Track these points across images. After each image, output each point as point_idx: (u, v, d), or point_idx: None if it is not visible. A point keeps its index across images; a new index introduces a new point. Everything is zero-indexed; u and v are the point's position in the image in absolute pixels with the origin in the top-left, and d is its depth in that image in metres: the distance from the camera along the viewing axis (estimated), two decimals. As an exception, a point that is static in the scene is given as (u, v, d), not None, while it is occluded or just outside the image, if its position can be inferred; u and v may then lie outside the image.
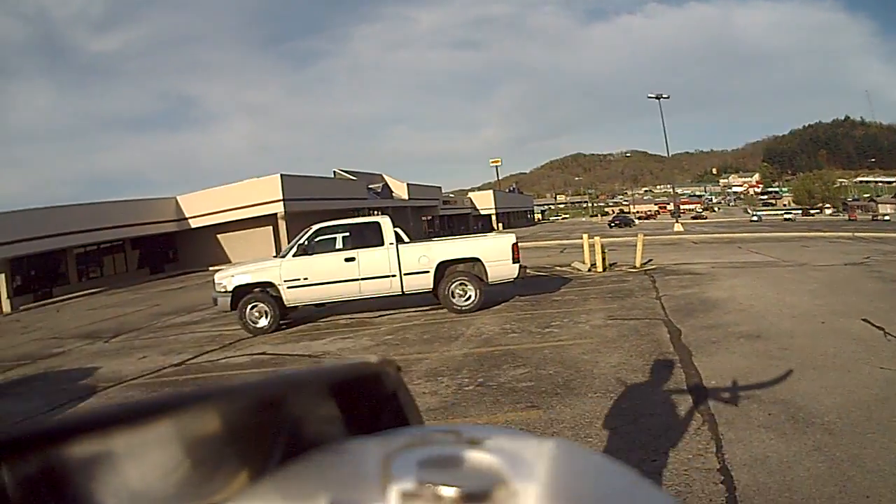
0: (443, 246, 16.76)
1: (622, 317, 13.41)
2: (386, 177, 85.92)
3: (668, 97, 72.44)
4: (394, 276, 16.18)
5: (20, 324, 27.93)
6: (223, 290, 16.53)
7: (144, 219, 53.85)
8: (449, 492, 0.29)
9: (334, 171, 75.69)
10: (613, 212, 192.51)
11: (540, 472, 0.30)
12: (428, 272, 16.24)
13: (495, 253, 16.32)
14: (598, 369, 9.11)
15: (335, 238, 16.64)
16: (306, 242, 16.42)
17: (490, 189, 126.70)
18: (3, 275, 45.10)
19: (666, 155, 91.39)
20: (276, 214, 54.49)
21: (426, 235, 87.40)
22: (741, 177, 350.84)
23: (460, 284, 16.16)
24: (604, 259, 23.29)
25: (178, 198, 58.98)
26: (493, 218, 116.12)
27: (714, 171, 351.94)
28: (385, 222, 16.62)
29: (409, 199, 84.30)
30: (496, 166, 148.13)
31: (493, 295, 17.33)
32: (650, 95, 72.41)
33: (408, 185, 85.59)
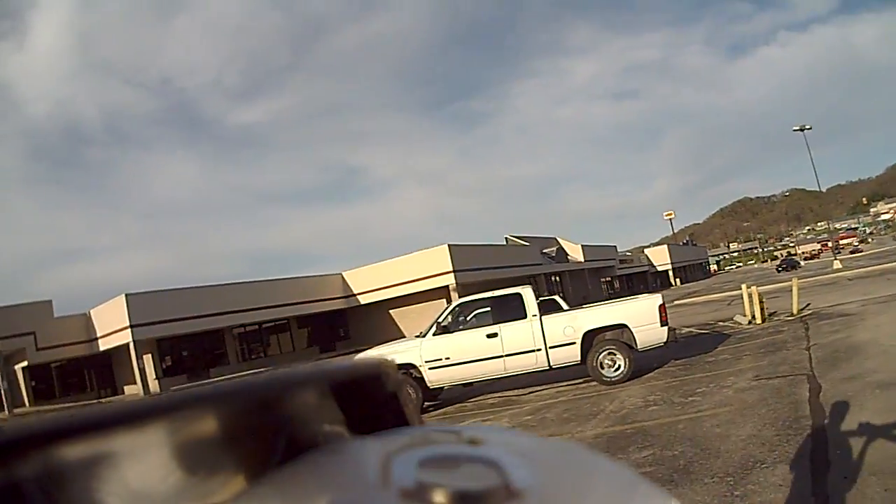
0: (588, 314, 15.80)
1: (768, 375, 12.68)
2: (560, 240, 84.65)
3: (810, 128, 70.95)
4: (539, 349, 15.28)
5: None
6: None
7: (310, 296, 54.84)
8: (449, 491, 0.29)
9: (506, 238, 74.88)
10: (782, 254, 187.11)
11: (540, 472, 0.30)
12: (574, 343, 15.28)
13: (642, 317, 15.32)
14: (726, 445, 8.50)
15: (477, 313, 15.95)
16: (446, 320, 15.89)
17: (666, 244, 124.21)
18: (149, 356, 45.88)
19: (820, 189, 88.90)
20: (447, 287, 53.92)
21: (607, 298, 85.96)
22: (886, 203, 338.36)
23: (608, 354, 15.15)
24: (762, 309, 22.69)
25: (343, 273, 59.95)
26: (670, 273, 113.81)
27: (864, 201, 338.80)
28: (526, 293, 15.78)
29: (585, 260, 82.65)
30: (670, 219, 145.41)
31: (649, 360, 16.35)
32: (795, 128, 71.01)
33: (582, 246, 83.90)
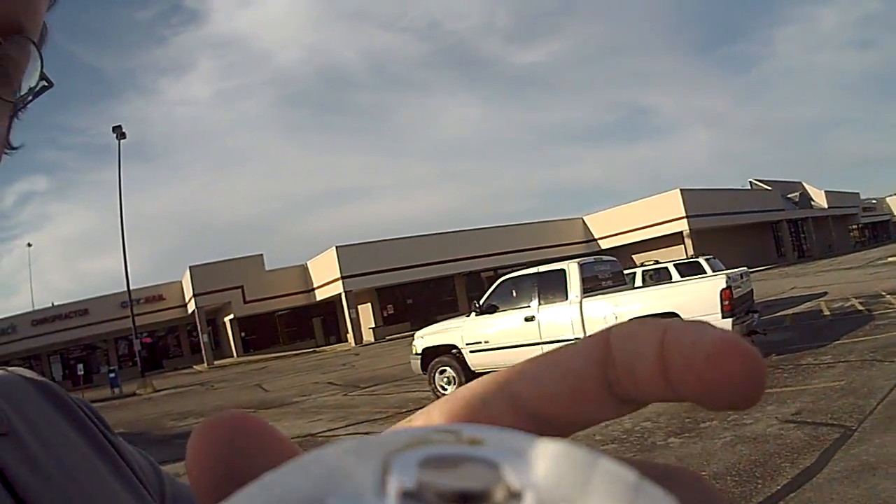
0: (633, 298, 13.49)
1: (812, 412, 10.11)
2: (805, 185, 79.72)
3: None
4: (579, 338, 13.13)
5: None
6: (415, 351, 15.43)
7: (549, 241, 53.97)
8: (449, 492, 0.27)
9: (750, 182, 71.19)
10: None
11: (540, 472, 0.28)
12: None
13: (698, 304, 12.65)
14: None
15: (522, 291, 14.24)
16: (489, 299, 14.39)
17: None
18: (368, 305, 46.38)
19: None
20: (681, 233, 52.20)
21: (854, 247, 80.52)
22: None
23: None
24: None
25: (584, 218, 59.18)
26: None
27: None
28: (572, 269, 13.86)
29: (829, 207, 77.10)
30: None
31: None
32: None
33: (826, 192, 78.18)
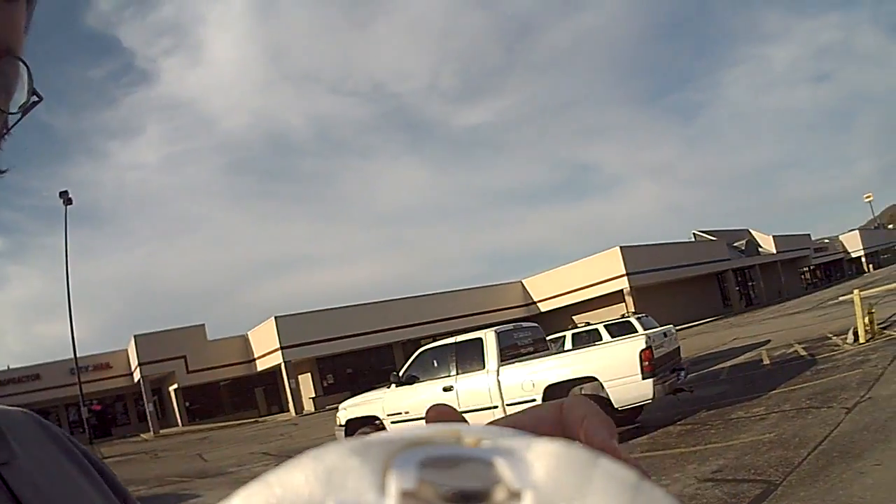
0: (549, 365, 13.16)
1: (735, 469, 9.79)
2: (752, 231, 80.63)
3: None
4: (496, 407, 13.06)
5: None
6: (338, 423, 15.38)
7: (487, 307, 53.77)
8: (449, 491, 0.29)
9: (693, 234, 72.03)
10: None
11: (539, 472, 0.29)
12: (535, 400, 12.32)
13: (616, 368, 12.43)
14: None
15: (441, 361, 14.06)
16: (409, 369, 14.28)
17: (857, 229, 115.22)
18: (308, 374, 46.42)
19: None
20: (622, 291, 52.18)
21: (805, 289, 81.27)
22: None
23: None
24: (871, 323, 19.17)
25: (523, 281, 59.32)
26: (863, 260, 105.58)
27: None
28: (489, 338, 13.62)
29: (778, 252, 78.13)
30: (870, 202, 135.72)
31: (655, 417, 13.89)
32: None
33: (774, 237, 79.44)
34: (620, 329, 21.74)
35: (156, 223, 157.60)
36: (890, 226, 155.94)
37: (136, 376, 49.91)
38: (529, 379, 12.87)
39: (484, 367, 13.33)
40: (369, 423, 14.47)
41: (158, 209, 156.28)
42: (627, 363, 12.36)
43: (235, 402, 53.77)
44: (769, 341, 25.64)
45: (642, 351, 12.31)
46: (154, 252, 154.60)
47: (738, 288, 67.73)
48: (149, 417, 48.38)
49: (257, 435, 33.17)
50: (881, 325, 20.10)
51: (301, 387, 46.78)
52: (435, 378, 13.82)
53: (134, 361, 50.15)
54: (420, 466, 0.29)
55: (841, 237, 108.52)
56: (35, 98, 0.81)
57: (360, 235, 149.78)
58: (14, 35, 0.76)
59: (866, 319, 19.26)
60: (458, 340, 14.20)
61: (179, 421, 50.84)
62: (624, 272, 51.77)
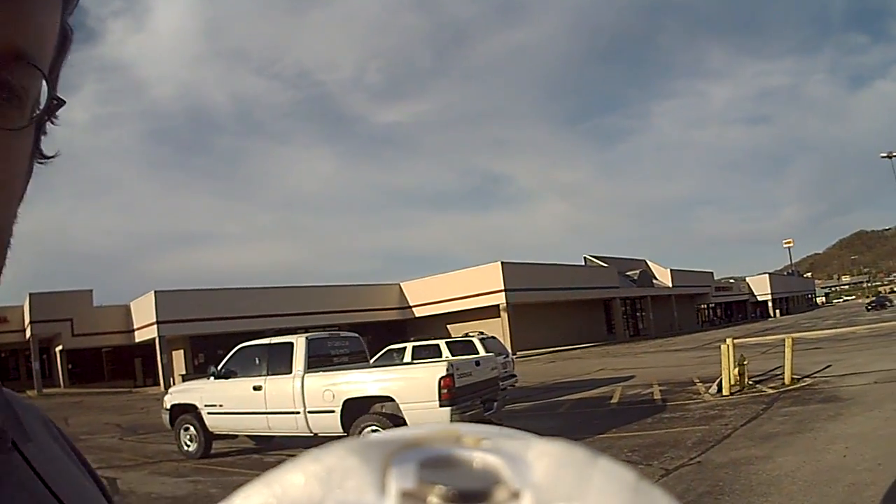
0: (352, 379, 13.42)
1: None
2: (649, 263, 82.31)
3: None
4: (298, 412, 13.55)
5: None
6: (165, 406, 15.70)
7: (363, 305, 54.40)
8: (449, 491, 0.29)
9: (584, 258, 73.10)
10: (884, 291, 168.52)
11: (539, 472, 0.31)
12: (334, 411, 13.10)
13: (415, 392, 12.51)
14: None
15: (255, 360, 14.67)
16: (226, 364, 14.93)
17: (766, 273, 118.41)
18: (180, 352, 46.92)
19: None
20: (498, 306, 52.63)
21: (701, 326, 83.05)
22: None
23: (373, 433, 12.94)
24: (741, 375, 18.55)
25: (401, 284, 59.81)
26: (770, 304, 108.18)
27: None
28: (299, 343, 14.22)
29: (674, 286, 79.95)
30: (789, 248, 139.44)
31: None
32: (883, 155, 65.76)
33: (671, 271, 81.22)
34: (463, 348, 21.43)
35: (71, 183, 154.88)
36: (807, 274, 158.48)
37: (27, 334, 49.91)
38: (330, 390, 13.23)
39: (291, 372, 13.82)
40: (189, 411, 14.88)
41: (76, 170, 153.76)
42: (427, 388, 12.43)
43: (115, 369, 54.08)
44: (633, 377, 25.28)
45: (442, 378, 12.33)
46: (65, 211, 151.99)
47: (625, 317, 68.84)
48: (34, 376, 48.39)
49: (122, 406, 33.36)
50: (755, 379, 19.55)
51: (174, 363, 47.21)
52: (249, 376, 14.37)
53: (27, 319, 50.12)
54: (420, 466, 0.29)
55: (748, 279, 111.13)
56: (56, 101, 0.78)
57: (263, 218, 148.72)
58: (24, 34, 0.69)
59: (736, 370, 18.53)
60: (272, 342, 14.78)
61: (62, 382, 50.84)
62: (502, 287, 52.49)
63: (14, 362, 59.28)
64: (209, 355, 49.04)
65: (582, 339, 55.43)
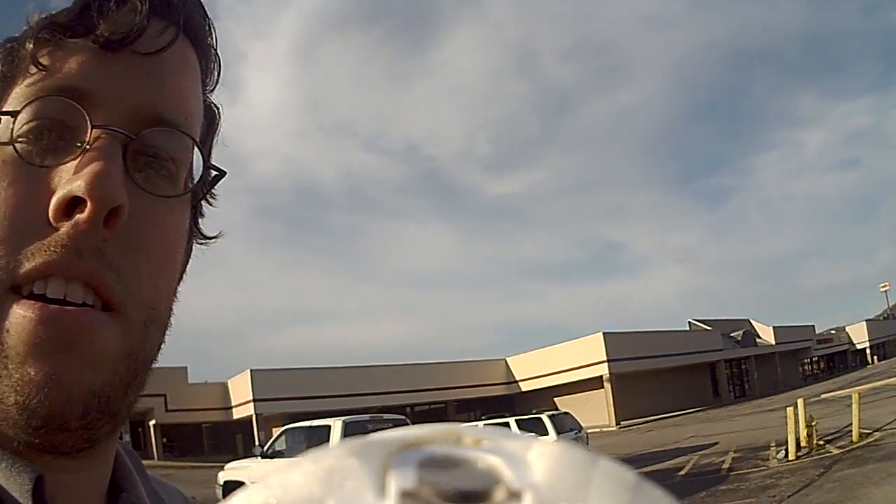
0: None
1: None
2: (752, 321, 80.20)
3: None
4: None
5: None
6: (218, 482, 16.44)
7: (468, 381, 54.12)
8: (449, 491, 0.29)
9: (689, 322, 71.79)
10: None
11: (539, 473, 0.31)
12: None
13: None
14: None
15: (298, 442, 15.15)
16: (273, 444, 15.33)
17: (879, 318, 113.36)
18: (280, 428, 46.92)
19: None
20: (601, 377, 51.59)
21: (804, 381, 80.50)
22: None
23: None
24: (809, 436, 17.71)
25: (507, 359, 59.39)
26: (868, 351, 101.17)
27: None
28: (336, 426, 14.67)
29: (777, 343, 77.48)
30: (885, 291, 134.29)
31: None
32: None
33: (774, 328, 78.40)
34: (530, 426, 20.98)
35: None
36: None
37: (122, 409, 50.96)
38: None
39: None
40: (239, 488, 15.12)
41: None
42: None
43: (215, 444, 54.93)
44: (716, 444, 24.33)
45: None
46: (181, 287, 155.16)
47: (729, 379, 66.89)
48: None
49: (208, 480, 33.17)
50: (827, 438, 18.67)
51: (272, 440, 46.97)
52: (292, 456, 14.43)
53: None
54: (419, 466, 0.29)
55: (847, 328, 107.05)
56: (215, 172, 0.77)
57: (377, 295, 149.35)
58: (164, 100, 0.69)
59: (804, 432, 17.80)
60: (312, 425, 15.26)
61: (156, 455, 51.19)
62: (605, 358, 51.40)
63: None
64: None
65: (687, 405, 53.73)
